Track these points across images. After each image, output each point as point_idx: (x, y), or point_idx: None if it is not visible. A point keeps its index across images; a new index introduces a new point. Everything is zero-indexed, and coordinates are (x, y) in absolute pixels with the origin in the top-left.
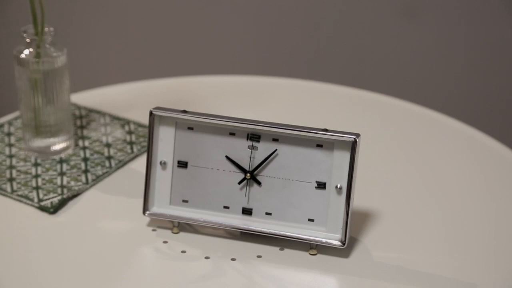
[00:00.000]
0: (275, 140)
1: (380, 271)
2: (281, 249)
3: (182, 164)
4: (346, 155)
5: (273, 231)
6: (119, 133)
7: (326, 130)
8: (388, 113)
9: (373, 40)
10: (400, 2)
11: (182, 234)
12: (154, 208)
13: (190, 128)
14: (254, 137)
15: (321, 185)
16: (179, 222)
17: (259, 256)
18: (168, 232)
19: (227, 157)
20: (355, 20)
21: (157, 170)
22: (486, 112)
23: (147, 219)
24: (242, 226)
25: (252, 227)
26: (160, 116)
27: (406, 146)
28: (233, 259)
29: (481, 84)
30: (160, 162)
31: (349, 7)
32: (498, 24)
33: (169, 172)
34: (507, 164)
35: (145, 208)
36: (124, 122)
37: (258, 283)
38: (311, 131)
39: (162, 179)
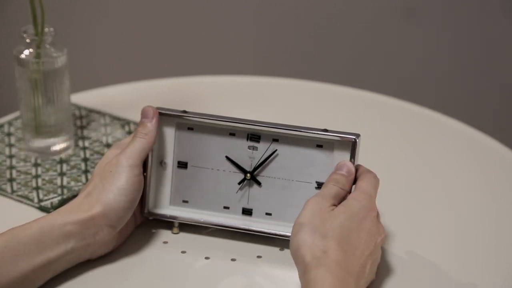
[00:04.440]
0: (275, 140)
1: (380, 271)
2: (281, 249)
3: (182, 165)
4: (346, 155)
5: (273, 231)
6: (119, 133)
7: (326, 130)
8: (388, 113)
9: (373, 40)
10: (400, 2)
11: (182, 234)
12: (154, 209)
13: (190, 129)
14: (254, 137)
15: (321, 186)
16: (179, 223)
17: (259, 256)
18: (168, 232)
19: (227, 157)
20: (355, 20)
21: (157, 170)
22: (486, 112)
23: (146, 219)
24: (242, 226)
25: (252, 227)
26: (160, 117)
27: (406, 147)
28: (233, 259)
29: (481, 84)
30: (160, 163)
31: (349, 7)
32: (498, 24)
33: (169, 172)
34: (507, 164)
35: (145, 208)
36: (124, 122)
37: (258, 283)
38: (311, 131)
39: (162, 179)
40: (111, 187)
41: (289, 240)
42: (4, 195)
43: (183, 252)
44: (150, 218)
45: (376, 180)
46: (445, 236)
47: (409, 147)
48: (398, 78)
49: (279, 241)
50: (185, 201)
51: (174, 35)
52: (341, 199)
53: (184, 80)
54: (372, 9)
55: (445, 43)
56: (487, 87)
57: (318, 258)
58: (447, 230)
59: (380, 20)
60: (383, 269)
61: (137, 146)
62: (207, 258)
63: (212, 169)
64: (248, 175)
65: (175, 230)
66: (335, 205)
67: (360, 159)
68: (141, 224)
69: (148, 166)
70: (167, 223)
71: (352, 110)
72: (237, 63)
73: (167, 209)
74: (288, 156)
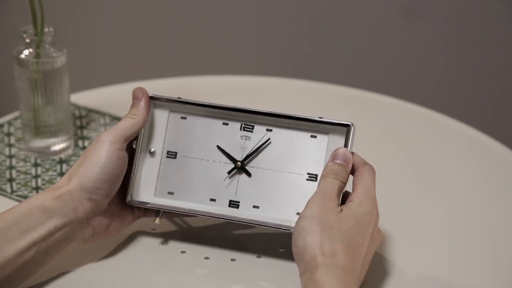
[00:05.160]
0: (269, 130)
1: (379, 272)
2: (281, 249)
3: (172, 154)
4: (341, 143)
5: (259, 220)
6: None
7: (321, 118)
8: (388, 113)
9: (372, 40)
10: (400, 2)
11: (181, 234)
12: (138, 197)
13: (183, 118)
14: (248, 127)
15: (313, 177)
16: (163, 214)
17: (259, 256)
18: (168, 233)
19: (218, 146)
20: (355, 20)
21: (145, 158)
22: (486, 112)
23: (146, 219)
24: (228, 216)
25: (237, 218)
26: (154, 103)
27: (406, 147)
28: (233, 259)
29: (481, 84)
30: (149, 151)
31: (348, 7)
32: (498, 24)
33: (157, 162)
34: (507, 164)
35: (128, 195)
36: None
37: (258, 283)
38: (306, 116)
39: (149, 168)
40: (89, 160)
41: (288, 238)
42: (4, 195)
43: (183, 252)
44: (132, 205)
45: (374, 174)
46: (444, 236)
47: (408, 147)
48: (398, 78)
49: (279, 241)
50: (170, 193)
51: (174, 35)
52: (342, 191)
53: (184, 80)
54: (372, 8)
55: (445, 43)
56: (487, 87)
57: (326, 262)
58: (447, 230)
59: (380, 20)
60: (382, 269)
61: (122, 124)
62: (207, 258)
63: (202, 159)
64: (239, 163)
65: (158, 220)
66: (339, 204)
67: None
68: (142, 221)
69: (136, 153)
70: (163, 221)
71: (352, 110)
72: (236, 63)
73: (151, 199)
74: (281, 145)
